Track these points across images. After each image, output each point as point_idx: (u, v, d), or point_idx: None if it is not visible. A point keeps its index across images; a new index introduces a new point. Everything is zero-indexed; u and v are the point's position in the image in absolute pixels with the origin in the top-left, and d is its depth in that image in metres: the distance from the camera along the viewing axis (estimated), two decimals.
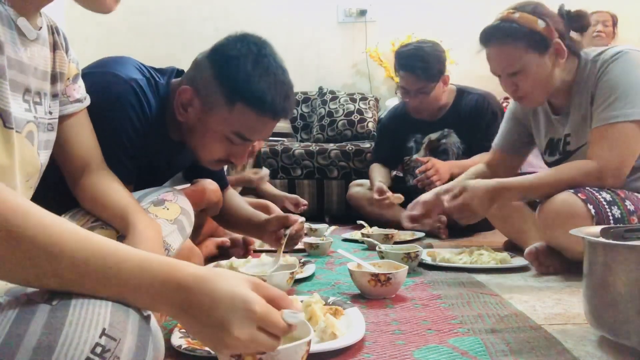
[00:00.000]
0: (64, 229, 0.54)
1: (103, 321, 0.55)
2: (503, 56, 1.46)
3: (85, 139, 0.96)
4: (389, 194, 2.24)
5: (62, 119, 0.90)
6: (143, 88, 1.12)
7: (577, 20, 1.46)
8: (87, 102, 0.96)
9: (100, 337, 0.54)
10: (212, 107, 1.11)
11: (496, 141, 1.81)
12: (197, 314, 0.56)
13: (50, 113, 0.85)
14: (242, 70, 1.08)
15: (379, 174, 2.52)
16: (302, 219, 1.45)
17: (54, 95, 0.86)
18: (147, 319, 0.60)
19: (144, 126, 1.13)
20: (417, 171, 2.24)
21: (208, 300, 0.55)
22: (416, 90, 2.34)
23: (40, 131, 0.80)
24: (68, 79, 0.90)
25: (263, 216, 1.50)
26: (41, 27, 0.78)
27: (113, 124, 1.06)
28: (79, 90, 0.94)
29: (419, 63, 2.30)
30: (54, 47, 0.85)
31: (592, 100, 1.41)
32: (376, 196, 2.27)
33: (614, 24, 3.47)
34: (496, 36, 1.46)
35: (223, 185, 1.54)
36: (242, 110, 1.09)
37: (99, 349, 0.54)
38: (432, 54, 2.34)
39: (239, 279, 0.59)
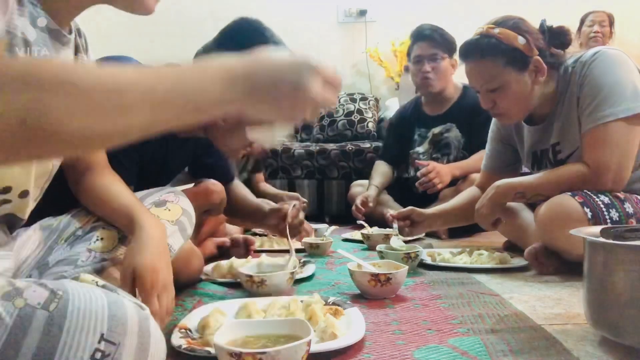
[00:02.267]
0: (116, 69, 0.50)
1: (101, 326, 0.55)
2: (482, 72, 1.44)
3: None
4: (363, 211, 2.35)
5: None
6: None
7: (558, 37, 1.44)
8: None
9: (99, 342, 0.54)
10: None
11: (484, 163, 1.80)
12: (267, 89, 0.55)
13: None
14: (262, 39, 1.17)
15: (378, 174, 2.58)
16: (295, 203, 1.49)
17: None
18: (147, 320, 0.60)
19: None
20: (418, 174, 2.26)
21: (271, 72, 0.56)
22: (430, 56, 2.41)
23: None
24: None
25: (267, 207, 1.56)
26: (71, 31, 0.79)
27: None
28: None
29: (437, 31, 2.44)
30: (77, 49, 0.85)
31: (578, 104, 1.39)
32: (358, 202, 2.37)
33: (611, 23, 3.46)
34: (475, 52, 1.44)
35: (230, 178, 1.57)
36: None
37: (98, 355, 0.54)
38: (447, 32, 2.48)
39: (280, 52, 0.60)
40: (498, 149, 1.75)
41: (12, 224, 0.85)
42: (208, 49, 1.21)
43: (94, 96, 0.47)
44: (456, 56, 2.47)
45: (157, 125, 0.51)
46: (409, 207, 1.77)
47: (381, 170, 2.60)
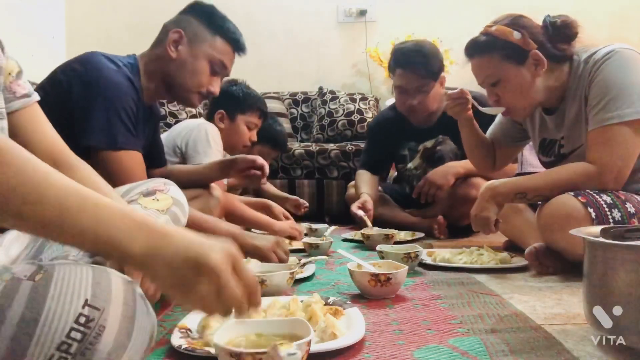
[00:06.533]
0: (48, 169, 0.54)
1: (85, 292, 0.56)
2: (481, 67, 1.52)
3: (44, 132, 0.94)
4: (367, 217, 2.12)
5: (13, 115, 0.89)
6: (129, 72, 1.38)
7: (562, 30, 1.46)
8: (36, 97, 0.94)
9: (83, 307, 0.56)
10: (199, 38, 1.44)
11: (490, 130, 1.82)
12: (169, 257, 0.55)
13: None
14: (216, 13, 1.49)
15: (365, 184, 2.37)
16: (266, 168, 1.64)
17: None
18: (133, 290, 0.61)
19: (136, 101, 1.35)
20: (414, 195, 2.25)
21: (182, 246, 0.56)
22: (415, 89, 2.19)
23: None
24: (10, 74, 0.89)
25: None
26: None
27: (118, 102, 1.27)
28: (25, 86, 0.92)
29: (420, 59, 2.15)
30: None
31: (585, 102, 1.41)
32: (354, 208, 2.17)
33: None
34: (475, 49, 1.52)
35: (162, 163, 1.68)
36: (221, 42, 1.47)
37: (82, 319, 0.55)
38: (432, 51, 2.23)
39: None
40: (506, 122, 1.76)
41: None
42: (181, 18, 1.48)
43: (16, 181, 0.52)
44: (447, 66, 2.43)
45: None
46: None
47: (366, 180, 2.39)
